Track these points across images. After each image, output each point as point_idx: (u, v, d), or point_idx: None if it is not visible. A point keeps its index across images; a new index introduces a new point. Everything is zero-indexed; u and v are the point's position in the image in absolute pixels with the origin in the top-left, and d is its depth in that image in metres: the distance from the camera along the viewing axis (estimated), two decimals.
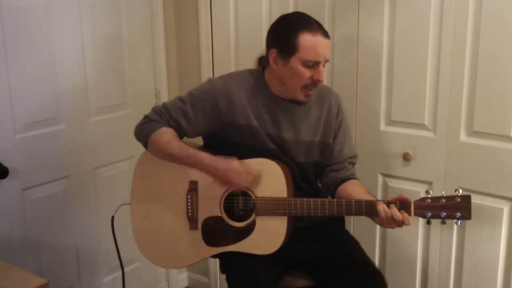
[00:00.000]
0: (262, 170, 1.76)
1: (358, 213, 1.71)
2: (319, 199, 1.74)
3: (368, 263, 1.84)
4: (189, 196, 1.83)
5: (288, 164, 1.83)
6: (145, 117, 1.91)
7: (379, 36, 2.16)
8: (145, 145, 1.89)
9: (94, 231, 2.55)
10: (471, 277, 2.13)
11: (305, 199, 1.74)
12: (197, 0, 2.63)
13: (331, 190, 1.91)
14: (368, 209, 1.69)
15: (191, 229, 1.84)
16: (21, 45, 2.14)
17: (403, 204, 1.66)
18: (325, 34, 1.76)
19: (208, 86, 1.87)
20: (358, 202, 1.71)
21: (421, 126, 2.14)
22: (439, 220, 1.68)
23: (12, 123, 2.16)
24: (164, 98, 2.74)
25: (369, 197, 1.76)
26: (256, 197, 1.77)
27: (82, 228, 2.49)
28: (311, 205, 1.73)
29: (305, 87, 1.78)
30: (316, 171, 1.94)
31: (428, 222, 1.70)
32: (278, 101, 1.85)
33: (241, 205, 1.81)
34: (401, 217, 1.65)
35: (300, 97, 1.81)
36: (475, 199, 1.92)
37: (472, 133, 2.03)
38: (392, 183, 2.25)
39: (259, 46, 2.41)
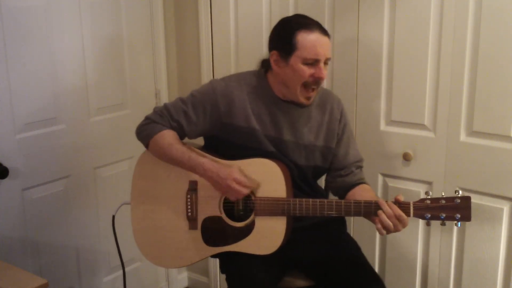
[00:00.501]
0: (262, 171, 1.76)
1: (357, 213, 1.70)
2: (318, 200, 1.74)
3: (367, 266, 1.84)
4: (188, 196, 1.83)
5: (287, 164, 1.83)
6: (147, 118, 1.91)
7: (379, 36, 2.16)
8: (146, 146, 1.89)
9: (94, 231, 2.55)
10: (471, 277, 2.13)
11: (304, 199, 1.74)
12: (197, 0, 2.63)
13: (340, 195, 1.91)
14: (367, 209, 1.69)
15: (191, 229, 1.84)
16: (21, 45, 2.14)
17: (402, 206, 1.66)
18: (324, 32, 1.76)
19: (209, 87, 1.88)
20: (357, 202, 1.70)
21: (421, 126, 2.14)
22: (438, 222, 1.67)
23: (12, 123, 2.16)
24: (164, 98, 2.74)
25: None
26: (255, 197, 1.77)
27: (82, 228, 2.49)
28: (310, 206, 1.73)
29: (306, 85, 1.78)
30: (317, 175, 1.94)
31: (428, 224, 1.69)
32: (280, 103, 1.85)
33: (240, 205, 1.81)
34: (403, 214, 1.64)
35: (301, 99, 1.80)
36: (475, 199, 1.91)
37: (472, 133, 2.03)
38: (392, 183, 2.25)
39: (259, 46, 2.43)
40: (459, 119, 2.04)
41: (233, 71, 2.55)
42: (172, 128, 1.86)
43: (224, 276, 1.90)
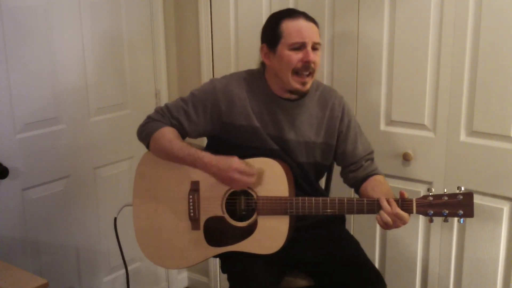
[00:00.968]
0: (264, 170, 1.76)
1: (360, 211, 1.70)
2: (320, 198, 1.74)
3: (369, 264, 1.84)
4: (190, 197, 1.83)
5: (289, 164, 1.83)
6: (148, 117, 1.92)
7: (379, 36, 2.16)
8: (147, 145, 1.89)
9: (94, 231, 2.55)
10: (471, 277, 2.13)
11: (306, 198, 1.74)
12: (197, 0, 2.63)
13: (355, 190, 1.92)
14: (370, 207, 1.69)
15: (193, 229, 1.84)
16: (21, 45, 2.14)
17: (405, 202, 1.66)
18: (309, 19, 1.77)
19: (210, 87, 1.88)
20: (360, 200, 1.71)
21: (421, 126, 2.14)
22: (441, 218, 1.67)
23: (12, 123, 2.16)
24: (164, 98, 2.74)
25: (386, 197, 1.72)
26: (257, 196, 1.77)
27: (82, 228, 2.49)
28: (313, 204, 1.73)
29: (296, 72, 1.76)
30: (317, 172, 1.94)
31: (431, 220, 1.69)
32: (279, 101, 1.85)
33: (242, 205, 1.81)
34: (401, 212, 1.64)
35: (296, 85, 1.78)
36: (475, 199, 1.90)
37: (472, 133, 2.03)
38: (392, 183, 2.24)
39: (259, 46, 2.42)
40: (459, 119, 2.04)
41: (233, 71, 2.54)
42: (172, 126, 1.87)
43: (224, 276, 1.90)
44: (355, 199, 1.71)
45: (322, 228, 1.93)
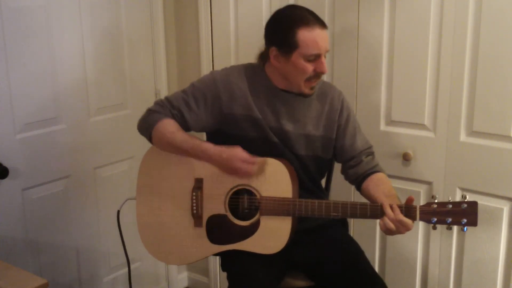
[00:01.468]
0: (268, 170, 1.76)
1: (363, 215, 1.69)
2: (324, 201, 1.74)
3: (369, 268, 1.83)
4: (194, 194, 1.83)
5: (288, 158, 1.83)
6: (148, 110, 1.91)
7: (379, 36, 2.16)
8: (149, 137, 1.88)
9: (94, 231, 2.55)
10: (471, 277, 2.13)
11: (310, 201, 1.73)
12: (197, 0, 2.63)
13: (357, 187, 1.91)
14: (373, 212, 1.68)
15: (196, 226, 1.84)
16: (21, 45, 2.14)
17: (408, 209, 1.65)
18: (322, 25, 1.76)
19: (210, 78, 1.89)
20: (363, 205, 1.70)
21: (421, 126, 2.14)
22: (444, 226, 1.66)
23: (12, 123, 2.16)
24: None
25: (389, 198, 1.72)
26: (260, 196, 1.77)
27: (82, 228, 2.49)
28: (316, 207, 1.73)
29: (309, 79, 1.79)
30: (318, 167, 1.93)
31: (434, 227, 1.68)
32: (280, 94, 1.85)
33: (245, 204, 1.81)
34: (404, 219, 1.63)
35: (306, 90, 1.82)
36: (475, 199, 1.91)
37: (472, 133, 2.03)
38: (392, 183, 2.21)
39: (259, 45, 2.42)
40: (459, 119, 2.04)
41: None
42: (173, 116, 1.86)
43: (224, 275, 1.90)
44: (358, 204, 1.70)
45: (323, 231, 1.93)
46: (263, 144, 1.82)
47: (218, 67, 2.62)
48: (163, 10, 2.70)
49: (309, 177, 1.91)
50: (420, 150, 2.16)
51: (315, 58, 1.75)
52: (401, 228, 1.64)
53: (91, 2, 2.37)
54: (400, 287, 2.30)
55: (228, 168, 1.77)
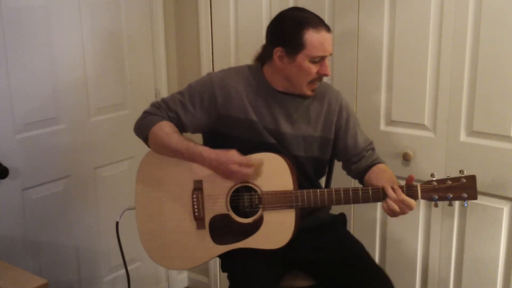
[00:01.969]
0: (266, 164, 1.76)
1: (365, 200, 1.71)
2: (325, 189, 1.75)
3: (375, 265, 1.83)
4: (194, 196, 1.82)
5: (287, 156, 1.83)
6: (144, 112, 1.91)
7: (379, 36, 2.16)
8: (145, 140, 1.88)
9: (94, 231, 2.55)
10: (471, 277, 2.13)
11: (311, 190, 1.74)
12: (197, 0, 2.63)
13: (359, 181, 1.93)
14: (375, 195, 1.70)
15: (199, 228, 1.83)
16: (21, 45, 2.14)
17: (410, 188, 1.68)
18: (328, 29, 1.79)
19: (207, 79, 1.89)
20: (365, 189, 1.71)
21: (421, 126, 2.14)
22: (446, 202, 1.69)
23: (12, 123, 2.16)
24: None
25: (390, 183, 1.73)
26: (262, 191, 1.77)
27: (82, 228, 2.50)
28: (318, 196, 1.74)
29: (311, 81, 1.81)
30: (316, 168, 1.94)
31: (435, 205, 1.71)
32: (277, 95, 1.85)
33: (247, 201, 1.81)
34: (407, 199, 1.65)
35: (307, 92, 1.84)
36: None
37: (472, 133, 2.03)
38: None
39: (259, 45, 2.42)
40: (459, 119, 2.04)
41: None
42: (169, 119, 1.87)
43: (224, 276, 1.89)
44: (360, 188, 1.72)
45: (324, 230, 1.93)
46: (259, 146, 1.82)
47: (218, 67, 2.62)
48: (163, 10, 2.71)
49: (307, 178, 1.91)
50: (420, 150, 2.16)
51: (320, 60, 1.77)
52: (405, 208, 1.67)
53: (91, 2, 2.37)
54: (400, 286, 2.30)
55: (224, 172, 1.76)
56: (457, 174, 1.69)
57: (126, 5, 2.53)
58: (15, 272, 1.71)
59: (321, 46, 1.75)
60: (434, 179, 1.68)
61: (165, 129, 1.83)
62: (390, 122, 2.22)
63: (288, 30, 1.78)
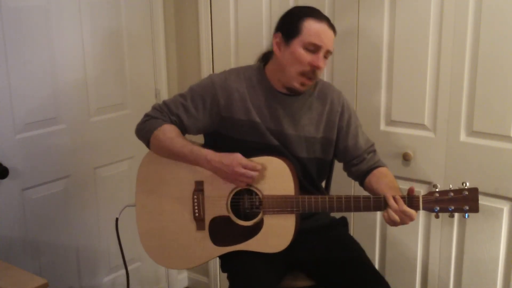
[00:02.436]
0: (269, 168, 1.76)
1: (366, 208, 1.70)
2: (327, 196, 1.74)
3: (372, 267, 1.83)
4: (195, 197, 1.82)
5: (290, 160, 1.83)
6: (146, 115, 1.90)
7: (379, 36, 2.16)
8: (148, 144, 1.88)
9: (94, 231, 2.55)
10: (471, 277, 2.13)
11: (312, 196, 1.74)
12: (197, 0, 2.63)
13: (360, 183, 1.92)
14: (376, 205, 1.69)
15: (198, 229, 1.83)
16: (21, 45, 2.14)
17: (411, 199, 1.66)
18: (331, 26, 1.78)
19: (208, 81, 1.88)
20: (366, 198, 1.70)
21: (421, 126, 2.14)
22: (446, 214, 1.68)
23: (12, 123, 2.16)
24: (164, 98, 2.74)
25: (392, 190, 1.73)
26: (263, 195, 1.76)
27: (82, 228, 2.49)
28: (319, 202, 1.73)
29: (302, 74, 1.77)
30: (319, 170, 1.93)
31: (437, 216, 1.70)
32: (279, 96, 1.85)
33: (248, 204, 1.81)
34: (408, 210, 1.64)
35: (296, 84, 1.79)
36: None
37: (472, 133, 2.03)
38: None
39: (259, 45, 2.42)
40: (459, 119, 2.04)
41: None
42: (172, 122, 1.86)
43: (224, 276, 1.89)
44: (361, 197, 1.71)
45: (325, 231, 1.93)
46: (262, 147, 1.81)
47: (218, 67, 2.63)
48: (163, 10, 2.71)
49: (309, 180, 1.90)
50: (420, 150, 2.16)
51: (314, 49, 1.75)
52: (405, 219, 1.65)
53: (91, 2, 2.37)
54: (401, 287, 2.30)
55: (229, 174, 1.75)
56: (460, 184, 1.67)
57: (126, 5, 2.53)
58: (15, 272, 1.71)
59: (317, 35, 1.73)
60: (436, 190, 1.66)
61: (168, 133, 1.82)
62: (390, 122, 2.22)
63: (290, 17, 1.80)
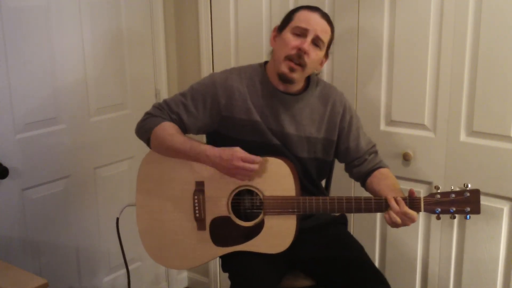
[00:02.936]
0: (270, 169, 1.75)
1: (368, 210, 1.70)
2: (328, 197, 1.74)
3: (372, 266, 1.83)
4: (196, 197, 1.82)
5: (291, 160, 1.83)
6: (146, 113, 1.90)
7: (379, 36, 2.16)
8: (148, 141, 1.87)
9: (94, 231, 2.55)
10: (471, 277, 2.13)
11: (314, 198, 1.73)
12: (197, 0, 2.63)
13: (361, 184, 1.92)
14: (378, 206, 1.69)
15: (199, 229, 1.83)
16: (21, 45, 2.14)
17: (412, 201, 1.66)
18: (325, 16, 1.81)
19: (209, 80, 1.88)
20: (367, 199, 1.70)
21: (421, 126, 2.14)
22: (448, 215, 1.68)
23: (12, 123, 2.16)
24: (164, 98, 2.74)
25: (393, 192, 1.72)
26: (264, 196, 1.76)
27: (82, 228, 2.49)
28: (320, 203, 1.73)
29: (289, 58, 1.77)
30: (319, 170, 1.93)
31: (438, 218, 1.70)
32: (280, 95, 1.85)
33: (248, 204, 1.81)
34: (409, 212, 1.64)
35: (284, 69, 1.77)
36: None
37: (472, 133, 2.03)
38: None
39: (259, 46, 2.43)
40: (459, 119, 2.04)
41: None
42: (171, 120, 1.86)
43: (224, 276, 1.90)
44: (362, 198, 1.71)
45: (324, 230, 1.93)
46: (263, 147, 1.81)
47: (218, 67, 2.62)
48: (163, 10, 2.71)
49: (310, 180, 1.90)
50: (420, 150, 2.16)
51: (301, 33, 1.76)
52: (407, 221, 1.65)
53: (91, 2, 2.37)
54: (400, 287, 2.30)
55: (229, 169, 1.74)
56: (460, 184, 1.67)
57: (126, 5, 2.53)
58: (15, 272, 1.71)
59: (306, 20, 1.76)
60: (438, 191, 1.66)
61: (167, 130, 1.82)
62: (390, 122, 2.22)
63: (287, 13, 1.84)
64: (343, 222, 2.03)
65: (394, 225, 1.66)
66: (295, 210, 1.74)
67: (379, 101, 2.22)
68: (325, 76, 2.32)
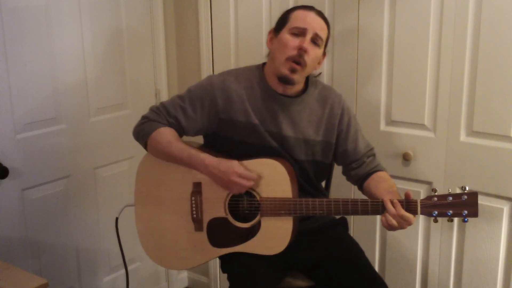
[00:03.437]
0: (266, 171, 1.75)
1: (364, 212, 1.69)
2: (324, 199, 1.73)
3: (370, 268, 1.83)
4: (193, 198, 1.82)
5: (289, 162, 1.83)
6: (143, 117, 1.89)
7: (379, 36, 2.16)
8: (145, 146, 1.87)
9: (94, 231, 2.55)
10: (471, 277, 2.13)
11: (310, 199, 1.73)
12: (197, 0, 2.63)
13: (358, 187, 1.92)
14: (374, 209, 1.68)
15: (196, 230, 1.83)
16: (21, 45, 2.14)
17: (409, 203, 1.65)
18: (320, 15, 1.81)
19: (207, 82, 1.88)
20: (364, 202, 1.70)
21: (421, 126, 2.14)
22: (445, 218, 1.67)
23: (12, 123, 2.16)
24: (164, 98, 2.74)
25: (390, 194, 1.72)
26: (261, 197, 1.76)
27: (82, 228, 2.49)
28: (317, 205, 1.73)
29: (290, 59, 1.76)
30: (318, 172, 1.93)
31: (435, 220, 1.69)
32: (278, 97, 1.84)
33: (246, 206, 1.81)
34: (406, 214, 1.63)
35: (285, 71, 1.77)
36: None
37: (472, 133, 2.03)
38: None
39: (259, 46, 2.43)
40: (459, 119, 2.04)
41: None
42: (169, 124, 1.85)
43: (224, 276, 1.90)
44: (359, 200, 1.70)
45: (324, 232, 1.92)
46: (261, 149, 1.81)
47: (218, 67, 2.63)
48: (163, 10, 2.71)
49: (309, 182, 1.90)
50: (420, 150, 2.16)
51: (299, 33, 1.76)
52: (403, 223, 1.64)
53: (91, 2, 2.37)
54: (400, 287, 2.30)
55: (224, 181, 1.74)
56: (459, 185, 1.66)
57: (126, 5, 2.53)
58: (15, 272, 1.71)
59: (302, 19, 1.76)
60: (435, 194, 1.65)
61: (165, 136, 1.81)
62: (390, 122, 2.22)
63: (282, 14, 1.85)
64: (344, 224, 2.03)
65: (391, 228, 1.65)
66: (292, 211, 1.74)
67: (379, 101, 2.22)
68: (325, 76, 2.32)
